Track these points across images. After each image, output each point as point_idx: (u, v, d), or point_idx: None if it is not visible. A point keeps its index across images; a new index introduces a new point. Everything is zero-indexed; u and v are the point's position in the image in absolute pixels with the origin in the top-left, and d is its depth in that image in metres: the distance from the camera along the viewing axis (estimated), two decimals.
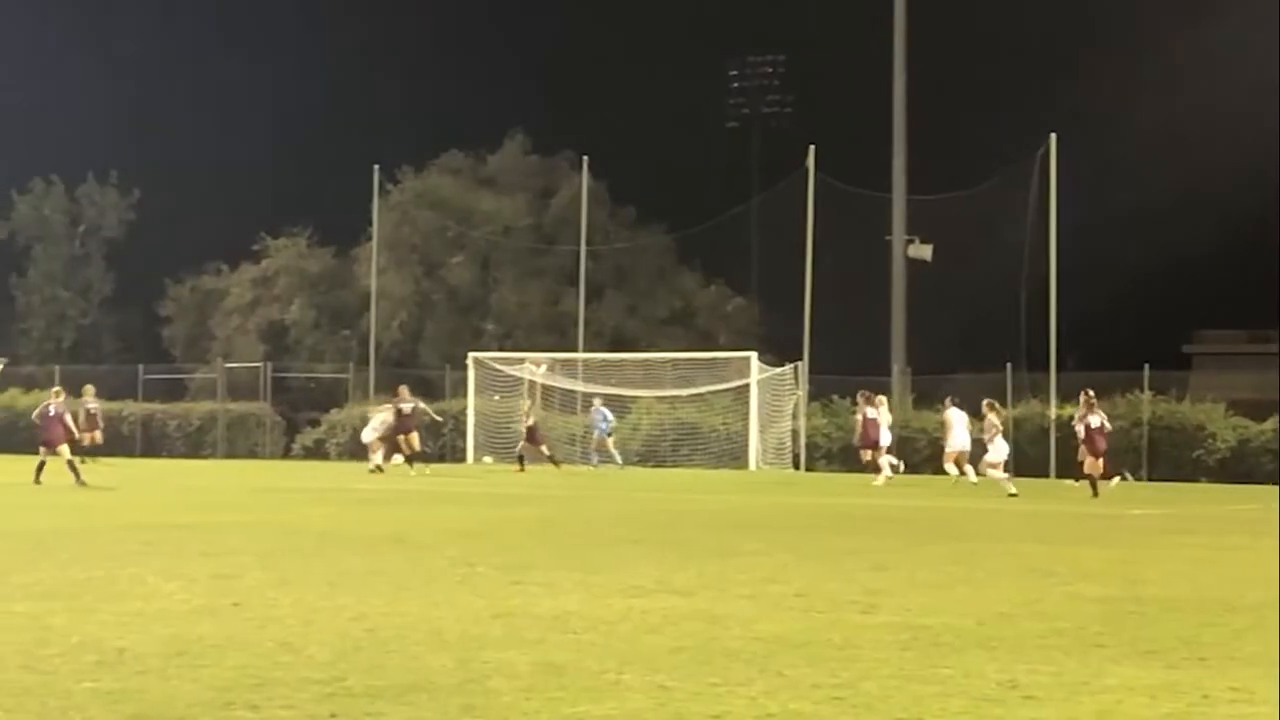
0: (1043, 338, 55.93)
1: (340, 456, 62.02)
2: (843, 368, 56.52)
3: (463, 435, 60.74)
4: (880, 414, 47.60)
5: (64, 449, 38.80)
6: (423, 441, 50.38)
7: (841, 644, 11.29)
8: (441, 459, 57.45)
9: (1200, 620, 13.02)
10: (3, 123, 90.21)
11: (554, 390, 62.09)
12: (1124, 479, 44.65)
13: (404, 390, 49.77)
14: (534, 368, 61.54)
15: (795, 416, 57.56)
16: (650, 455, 58.50)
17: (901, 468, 48.70)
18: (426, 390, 62.79)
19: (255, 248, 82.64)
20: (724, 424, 58.79)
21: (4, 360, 71.56)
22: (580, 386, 61.38)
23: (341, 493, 35.75)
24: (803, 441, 56.85)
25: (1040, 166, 57.64)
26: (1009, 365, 56.72)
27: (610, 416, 56.53)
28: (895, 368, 61.22)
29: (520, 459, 53.24)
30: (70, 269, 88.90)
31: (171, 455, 64.78)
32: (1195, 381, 64.55)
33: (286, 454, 65.81)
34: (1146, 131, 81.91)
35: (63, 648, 10.66)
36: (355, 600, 13.57)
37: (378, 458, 49.38)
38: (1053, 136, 57.42)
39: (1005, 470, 40.55)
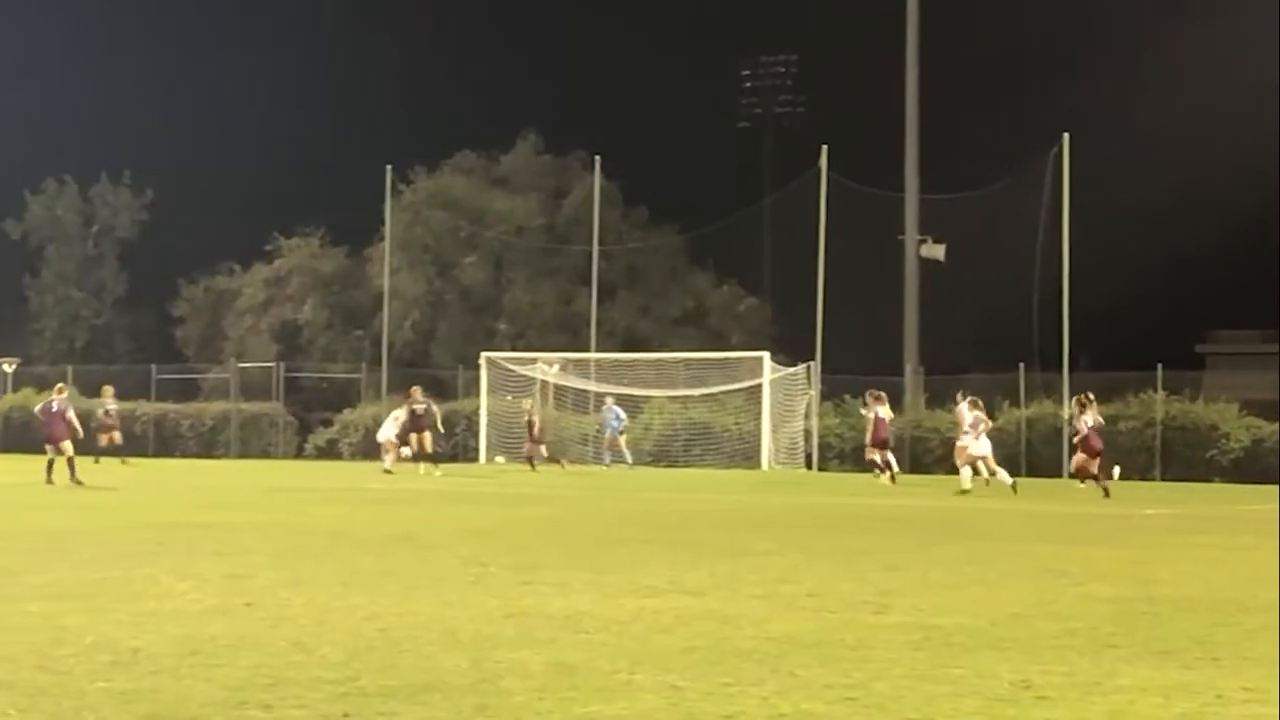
0: (1055, 338, 55.94)
1: (353, 456, 62.10)
2: (855, 368, 56.53)
3: (475, 435, 60.78)
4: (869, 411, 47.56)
5: (66, 446, 38.80)
6: (435, 442, 50.42)
7: (854, 644, 11.28)
8: (454, 459, 57.48)
9: (1213, 620, 13.00)
10: (16, 123, 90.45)
11: (566, 390, 62.17)
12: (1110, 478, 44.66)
13: (416, 391, 49.83)
14: (546, 368, 61.62)
15: (808, 416, 57.57)
16: (662, 455, 58.52)
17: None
18: (439, 390, 62.85)
19: (268, 248, 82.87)
20: (736, 424, 58.80)
21: (17, 360, 71.77)
22: (593, 386, 61.41)
23: (354, 493, 35.76)
24: (815, 441, 56.85)
25: (1053, 166, 57.62)
26: (1022, 365, 56.72)
27: (623, 415, 56.59)
28: (908, 368, 61.23)
29: (530, 460, 53.30)
30: (83, 269, 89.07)
31: (184, 455, 64.87)
32: (1209, 381, 64.47)
33: (299, 454, 65.88)
34: (1160, 131, 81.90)
35: (77, 648, 10.67)
36: (368, 600, 13.57)
37: (389, 460, 49.42)
38: (1066, 136, 57.41)
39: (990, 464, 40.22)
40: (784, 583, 15.59)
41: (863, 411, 49.44)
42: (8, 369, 71.57)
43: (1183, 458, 52.66)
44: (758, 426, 57.92)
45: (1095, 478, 39.65)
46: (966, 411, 43.53)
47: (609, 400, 57.18)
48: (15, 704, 8.72)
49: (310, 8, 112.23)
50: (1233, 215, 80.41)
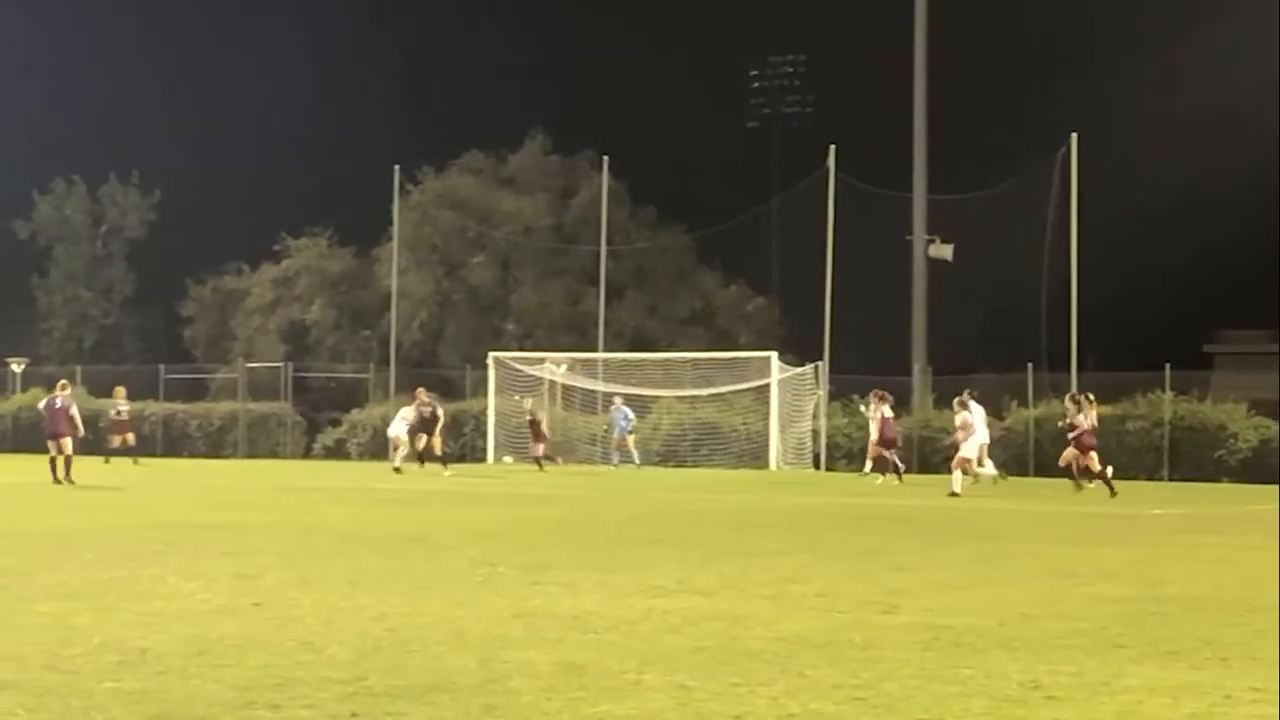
0: (1064, 337, 55.91)
1: (361, 456, 62.11)
2: (863, 368, 56.48)
3: (483, 435, 60.78)
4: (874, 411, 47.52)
5: (66, 444, 38.88)
6: (443, 442, 50.49)
7: (863, 644, 11.28)
8: (461, 459, 57.49)
9: (1222, 620, 12.99)
10: (24, 123, 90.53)
11: (574, 390, 62.15)
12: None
13: (421, 392, 49.93)
14: (554, 368, 61.63)
15: (816, 416, 57.55)
16: (670, 455, 58.49)
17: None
18: (447, 390, 62.91)
19: (276, 248, 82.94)
20: (744, 424, 58.76)
21: (26, 360, 71.83)
22: (600, 386, 61.40)
23: (362, 492, 35.78)
24: (823, 441, 56.84)
25: (1061, 166, 57.59)
26: (1030, 365, 56.67)
27: (631, 415, 56.59)
28: (916, 367, 61.19)
29: (538, 461, 53.31)
30: (92, 269, 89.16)
31: (193, 455, 64.91)
32: (1217, 381, 64.40)
33: (307, 454, 65.90)
34: (1167, 131, 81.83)
35: (85, 647, 10.68)
36: (376, 600, 13.58)
37: (398, 457, 49.50)
38: (1074, 136, 57.37)
39: (972, 469, 40.08)
40: (792, 583, 15.59)
41: (863, 410, 49.47)
42: (16, 369, 71.65)
43: (1190, 458, 52.60)
44: (766, 426, 57.88)
45: (1098, 476, 39.71)
46: (981, 410, 43.65)
47: (617, 400, 57.16)
48: (23, 704, 8.73)
49: (318, 8, 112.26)
50: (1241, 215, 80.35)
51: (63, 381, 44.13)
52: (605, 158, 69.76)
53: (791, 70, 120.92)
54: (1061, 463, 41.15)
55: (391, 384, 64.84)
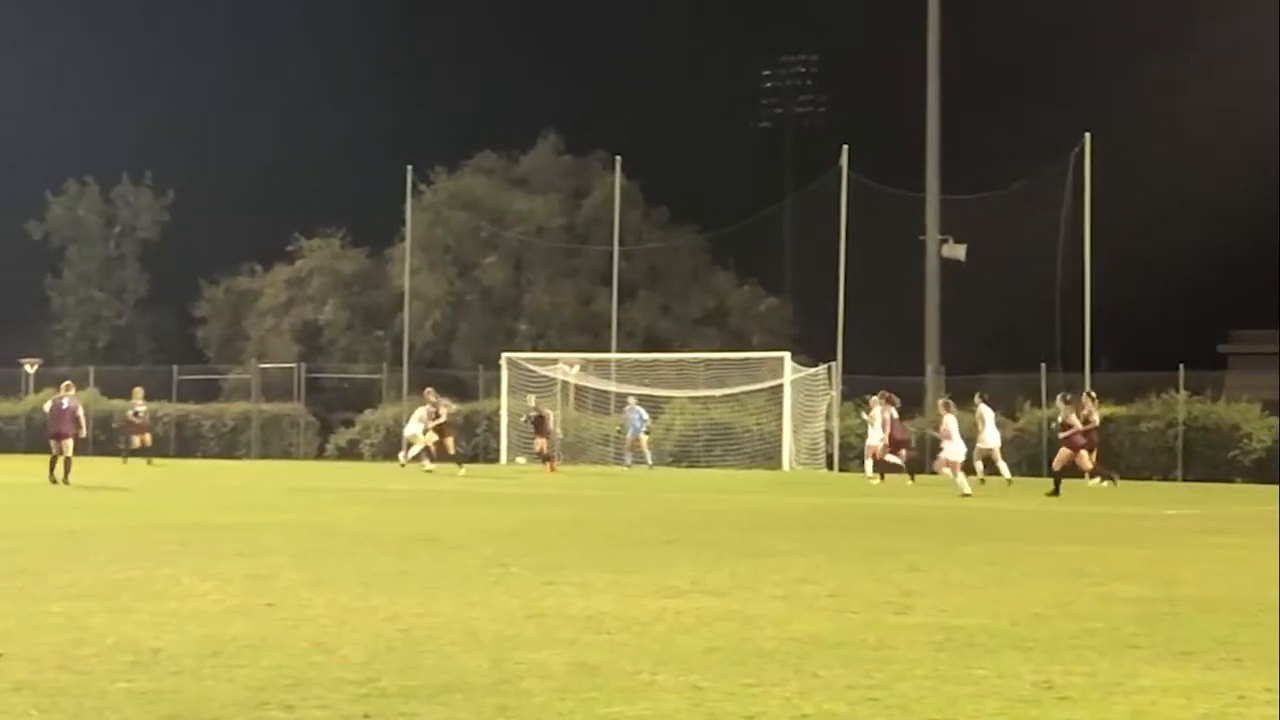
0: (1077, 337, 55.83)
1: (374, 457, 62.15)
2: (876, 368, 56.39)
3: (496, 436, 60.78)
4: (881, 414, 47.41)
5: (67, 444, 39.00)
6: (456, 443, 50.55)
7: (876, 645, 11.28)
8: (475, 459, 57.51)
9: (1235, 621, 12.97)
10: (37, 124, 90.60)
11: (587, 390, 62.15)
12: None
13: (429, 393, 50.01)
14: (567, 368, 61.60)
15: (829, 417, 57.49)
16: (683, 455, 58.48)
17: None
18: (460, 391, 62.93)
19: (289, 248, 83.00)
20: (757, 424, 58.74)
21: (39, 361, 71.92)
22: (613, 387, 61.38)
23: (375, 493, 35.80)
24: (836, 442, 56.76)
25: (1074, 166, 57.51)
26: (1044, 365, 56.61)
27: (646, 415, 56.58)
28: (929, 368, 61.15)
29: (547, 460, 53.30)
30: (105, 270, 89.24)
31: (206, 456, 64.99)
32: (1230, 381, 64.25)
33: (320, 454, 65.94)
34: (1181, 130, 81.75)
35: (99, 648, 10.69)
36: (389, 600, 13.59)
37: (408, 454, 49.56)
38: (1087, 135, 57.29)
39: (963, 470, 39.91)
40: (806, 583, 15.59)
41: (865, 417, 49.37)
42: (29, 369, 71.75)
43: (1204, 458, 52.51)
44: (779, 427, 57.86)
45: (1095, 473, 39.74)
46: (991, 412, 43.66)
47: (632, 400, 57.14)
48: (37, 704, 8.74)
49: (330, 9, 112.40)
50: (1254, 215, 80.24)
51: (67, 382, 44.33)
52: (618, 158, 69.75)
53: (804, 70, 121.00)
54: (1056, 465, 41.08)
55: (404, 384, 64.82)
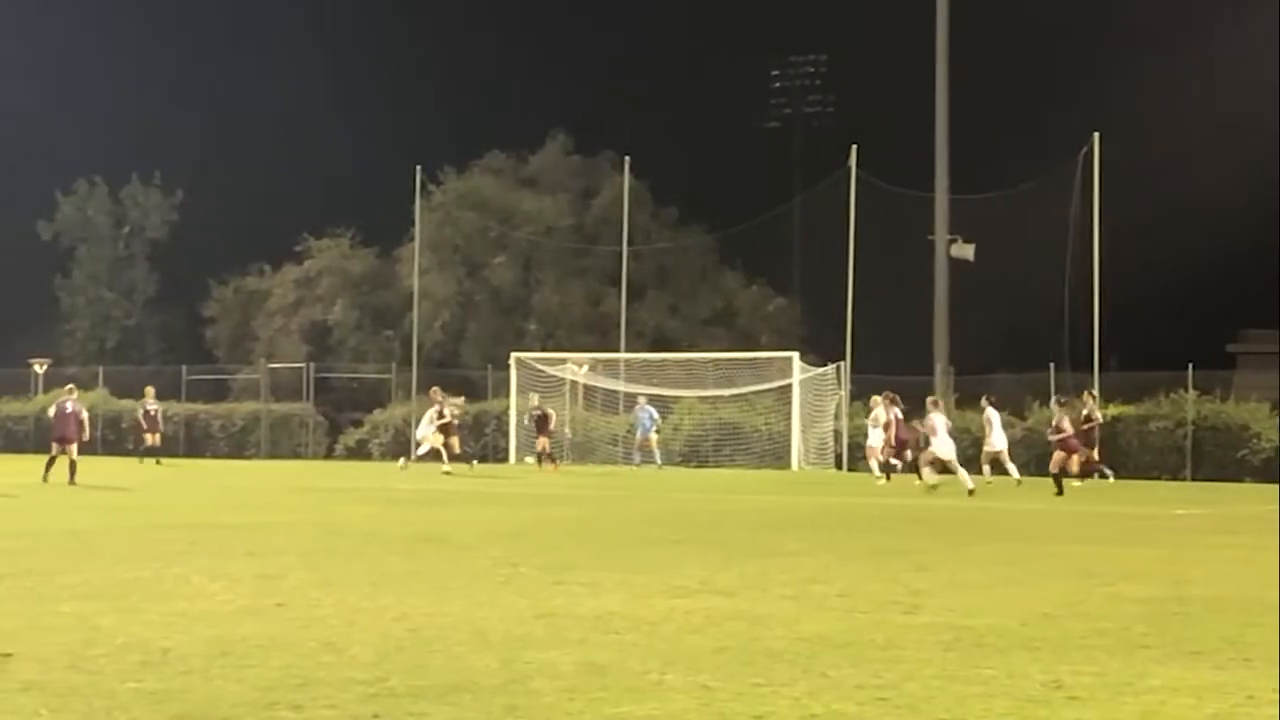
0: (1086, 337, 55.77)
1: (383, 457, 62.16)
2: (885, 368, 56.36)
3: (505, 435, 60.77)
4: (886, 414, 47.38)
5: (72, 448, 39.26)
6: (463, 442, 50.55)
7: (885, 644, 11.28)
8: (484, 459, 57.52)
9: (1245, 621, 12.96)
10: (46, 124, 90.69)
11: (596, 390, 62.14)
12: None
13: (435, 392, 50.05)
14: (576, 368, 61.61)
15: (837, 417, 57.45)
16: (692, 455, 58.44)
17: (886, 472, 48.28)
18: (469, 391, 62.87)
19: (298, 248, 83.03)
20: (766, 424, 58.70)
21: (48, 361, 71.99)
22: (622, 387, 61.33)
23: (384, 493, 35.81)
24: (845, 442, 56.70)
25: (1084, 165, 57.42)
26: (1052, 365, 56.55)
27: (656, 415, 56.60)
28: (938, 367, 61.07)
29: (552, 459, 53.29)
30: (114, 270, 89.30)
31: (215, 455, 65.01)
32: (1239, 381, 64.15)
33: (329, 454, 65.94)
34: (1190, 129, 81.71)
35: (108, 648, 10.71)
36: (398, 600, 13.60)
37: (419, 452, 49.61)
38: (1096, 135, 57.22)
39: (943, 470, 39.82)
40: (815, 583, 15.59)
41: (868, 421, 49.32)
42: (39, 370, 71.82)
43: (1213, 458, 52.43)
44: (787, 427, 57.83)
45: (1078, 474, 39.82)
46: (998, 415, 43.62)
47: (642, 400, 57.14)
48: (47, 704, 8.75)
49: (339, 8, 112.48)
50: (1263, 214, 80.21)
51: (70, 386, 44.61)
52: (626, 158, 69.68)
53: (812, 70, 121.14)
54: (1052, 468, 41.12)
55: (414, 384, 64.80)
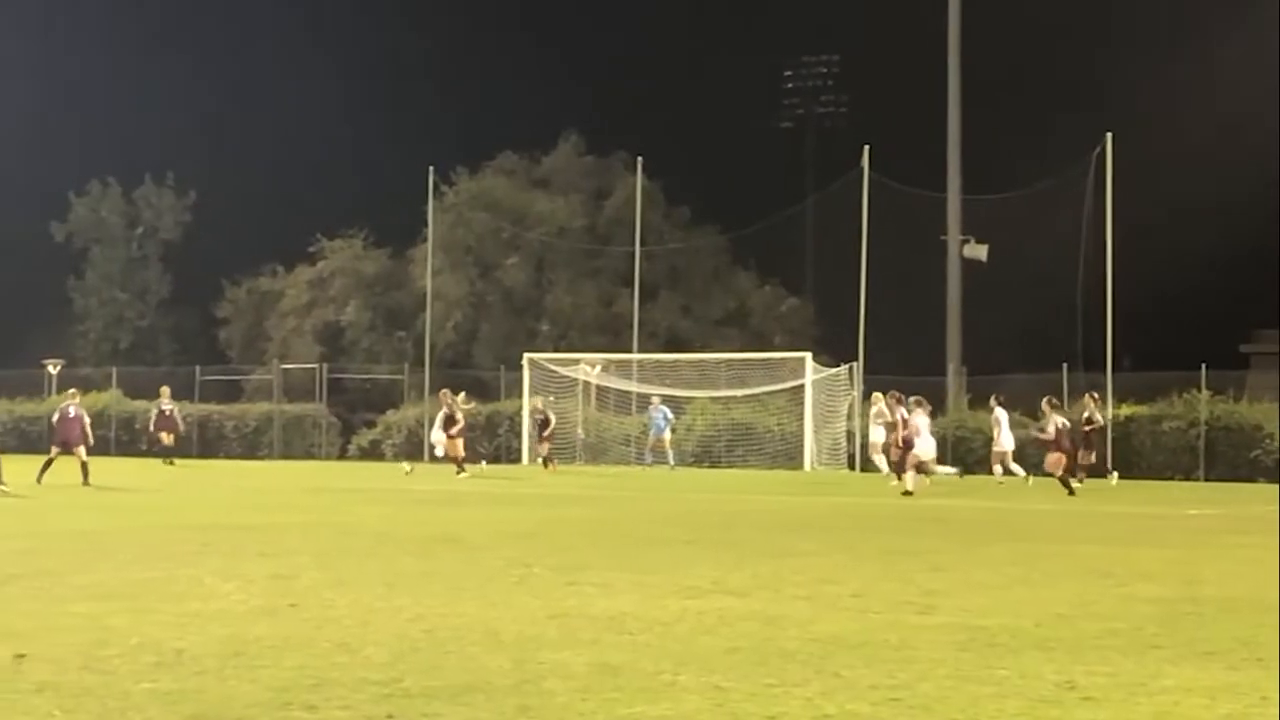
0: (1099, 338, 55.72)
1: (396, 457, 62.06)
2: (897, 368, 56.30)
3: (518, 436, 60.77)
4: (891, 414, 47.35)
5: (81, 450, 39.35)
6: (476, 443, 50.55)
7: (898, 645, 11.28)
8: (497, 460, 57.54)
9: (1258, 621, 12.95)
10: (60, 125, 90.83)
11: (609, 391, 62.14)
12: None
13: (444, 394, 50.08)
14: (589, 369, 61.60)
15: (850, 417, 57.42)
16: (705, 456, 58.43)
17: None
18: (481, 391, 62.85)
19: (311, 249, 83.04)
20: (779, 425, 58.66)
21: (61, 362, 72.06)
22: (635, 387, 61.35)
23: (397, 494, 35.84)
24: (858, 442, 56.67)
25: (1096, 165, 57.37)
26: (1065, 365, 56.49)
27: (670, 414, 56.64)
28: (950, 368, 61.06)
29: (545, 460, 53.27)
30: (127, 271, 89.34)
31: (228, 456, 65.04)
32: (1253, 381, 64.09)
33: (342, 455, 65.97)
34: (1203, 129, 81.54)
35: (122, 648, 10.72)
36: (412, 601, 13.61)
37: (436, 452, 49.68)
38: (1109, 135, 57.16)
39: (927, 469, 39.69)
40: (828, 583, 15.59)
41: (871, 418, 49.30)
42: (52, 371, 71.89)
43: (1226, 458, 52.37)
44: (800, 427, 57.80)
45: (1067, 475, 39.79)
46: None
47: (655, 400, 57.16)
48: (61, 705, 8.77)
49: (351, 10, 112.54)
50: (1277, 213, 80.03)
51: (73, 390, 44.86)
52: (639, 158, 69.64)
53: (825, 70, 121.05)
54: (1050, 469, 41.11)
55: (426, 385, 64.78)
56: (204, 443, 66.30)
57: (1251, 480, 50.04)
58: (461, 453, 48.12)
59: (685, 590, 14.72)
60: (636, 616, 12.73)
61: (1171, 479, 50.48)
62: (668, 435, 56.25)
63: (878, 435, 47.98)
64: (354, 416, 70.68)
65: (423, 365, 67.79)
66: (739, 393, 59.40)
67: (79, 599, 13.61)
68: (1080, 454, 45.27)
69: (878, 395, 48.76)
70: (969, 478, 47.35)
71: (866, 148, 60.75)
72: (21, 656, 10.31)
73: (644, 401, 58.73)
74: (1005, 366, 59.59)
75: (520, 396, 61.18)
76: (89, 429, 41.14)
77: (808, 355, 59.80)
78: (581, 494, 37.25)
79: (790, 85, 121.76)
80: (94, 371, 73.61)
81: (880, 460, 48.17)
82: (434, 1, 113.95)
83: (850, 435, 57.06)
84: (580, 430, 59.88)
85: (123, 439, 65.29)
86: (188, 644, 10.92)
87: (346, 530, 23.07)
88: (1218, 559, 19.48)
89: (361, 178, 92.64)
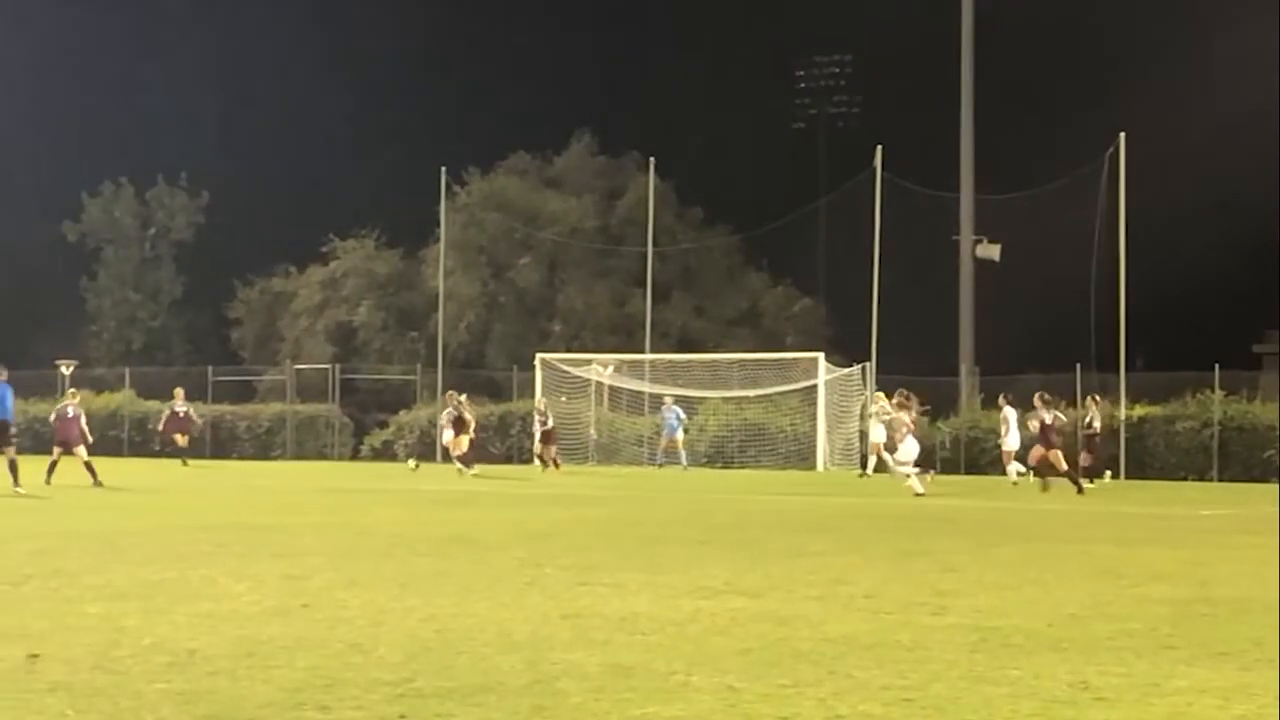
0: (1112, 338, 55.65)
1: (408, 458, 62.17)
2: (910, 368, 56.27)
3: (530, 436, 60.75)
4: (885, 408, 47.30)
5: (81, 450, 39.40)
6: (488, 444, 50.55)
7: (911, 645, 11.26)
8: (509, 460, 57.55)
9: (1272, 622, 12.90)
10: (73, 126, 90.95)
11: (621, 391, 62.13)
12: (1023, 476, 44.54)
13: (450, 395, 50.10)
14: (601, 369, 61.58)
15: (863, 417, 57.39)
16: (717, 456, 58.43)
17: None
18: (494, 392, 62.92)
19: (324, 250, 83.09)
20: (791, 425, 58.66)
21: (74, 362, 72.14)
22: (647, 388, 61.34)
23: (410, 494, 35.85)
24: (870, 442, 56.66)
25: (1109, 165, 57.31)
26: (1078, 365, 56.45)
27: (683, 415, 56.66)
28: (963, 368, 61.02)
29: (541, 460, 53.21)
30: (140, 271, 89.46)
31: (241, 457, 65.09)
32: (1265, 381, 64.01)
33: (355, 455, 66.03)
34: (1216, 129, 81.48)
35: (135, 649, 10.72)
36: (424, 601, 13.60)
37: (454, 452, 49.77)
38: (1122, 135, 57.10)
39: (916, 467, 39.56)
40: (840, 584, 15.57)
41: (880, 418, 49.24)
42: (65, 371, 71.96)
43: (1240, 458, 52.30)
44: (813, 427, 57.79)
45: (1044, 472, 39.77)
46: (1015, 413, 43.45)
47: (668, 400, 57.18)
48: (74, 705, 8.77)
49: (364, 12, 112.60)
50: None
51: (72, 390, 45.08)
52: (651, 158, 69.66)
53: (838, 70, 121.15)
54: (1031, 461, 41.07)
55: (439, 385, 64.77)
56: (217, 443, 66.34)
57: (1265, 481, 49.93)
58: (464, 450, 48.13)
59: (698, 591, 14.71)
60: (649, 617, 12.72)
61: (1185, 479, 50.44)
62: (680, 436, 56.29)
63: (878, 435, 47.94)
64: (366, 417, 70.71)
65: (435, 366, 67.82)
66: (751, 393, 59.39)
67: (92, 599, 13.61)
68: (1081, 455, 45.28)
69: (880, 395, 48.73)
70: (979, 478, 47.35)
71: (879, 148, 60.74)
72: (35, 656, 10.31)
73: (656, 402, 58.75)
74: (1018, 366, 59.57)
75: (532, 397, 61.21)
76: (86, 429, 41.13)
77: (820, 355, 59.79)
78: (594, 494, 37.24)
79: (803, 85, 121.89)
80: (107, 372, 73.71)
81: (889, 459, 48.13)
82: (447, 2, 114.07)
83: (863, 435, 57.02)
84: (593, 431, 59.91)
85: (135, 440, 65.40)
86: (200, 644, 10.92)
87: (359, 531, 23.08)
88: (1231, 560, 19.45)
89: (374, 178, 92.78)
